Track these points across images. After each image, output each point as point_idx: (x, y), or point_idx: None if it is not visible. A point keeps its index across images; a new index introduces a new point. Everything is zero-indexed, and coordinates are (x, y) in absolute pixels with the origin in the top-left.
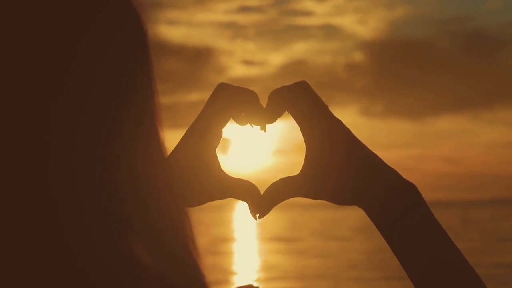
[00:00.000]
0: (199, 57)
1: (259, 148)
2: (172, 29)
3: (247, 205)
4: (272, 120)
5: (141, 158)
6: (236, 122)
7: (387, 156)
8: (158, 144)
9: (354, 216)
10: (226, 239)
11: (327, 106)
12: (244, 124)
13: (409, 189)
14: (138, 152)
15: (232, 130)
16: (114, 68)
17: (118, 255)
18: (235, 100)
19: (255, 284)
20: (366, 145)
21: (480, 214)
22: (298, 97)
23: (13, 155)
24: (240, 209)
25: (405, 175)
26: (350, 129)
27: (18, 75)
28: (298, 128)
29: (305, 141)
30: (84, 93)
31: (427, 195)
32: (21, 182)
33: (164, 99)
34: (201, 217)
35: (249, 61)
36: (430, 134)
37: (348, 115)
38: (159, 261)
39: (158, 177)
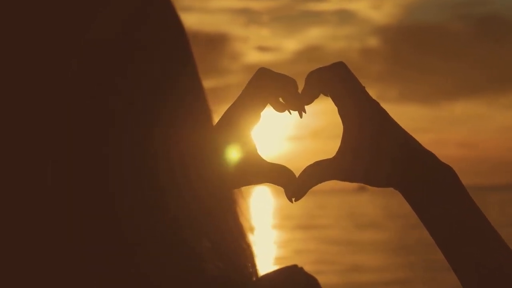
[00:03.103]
0: (213, 44)
1: (274, 135)
2: (185, 16)
3: (283, 189)
4: (309, 101)
5: (191, 143)
6: (273, 108)
7: None
8: (204, 128)
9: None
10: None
11: (364, 87)
12: (281, 111)
13: (447, 171)
14: (188, 137)
15: None
16: (161, 63)
17: (148, 240)
18: (275, 86)
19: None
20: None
21: (496, 199)
22: (336, 78)
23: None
24: (257, 196)
25: None
26: None
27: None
28: (313, 114)
29: (342, 122)
30: (134, 91)
31: None
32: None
33: None
34: None
35: (264, 47)
36: (444, 119)
37: None
38: (203, 241)
39: (207, 160)
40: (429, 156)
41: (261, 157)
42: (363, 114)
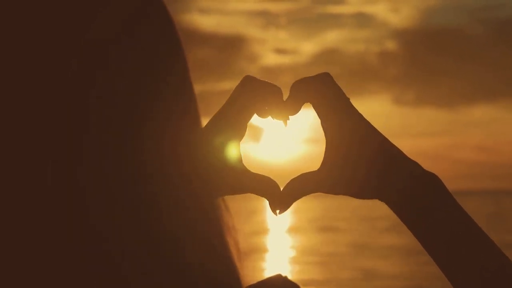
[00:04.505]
0: (231, 45)
1: (291, 137)
2: (204, 18)
3: (267, 201)
4: (294, 111)
5: (176, 146)
6: (258, 115)
7: (419, 144)
8: (194, 131)
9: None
10: (259, 231)
11: (349, 99)
12: (265, 117)
13: (431, 179)
14: (172, 139)
15: (264, 120)
16: (146, 60)
17: (144, 239)
18: (260, 94)
19: (283, 274)
20: (398, 134)
21: None
22: (320, 89)
23: (45, 148)
24: None
25: (437, 164)
26: (382, 117)
27: (54, 70)
28: None
29: (325, 134)
30: (116, 86)
31: (459, 184)
32: (51, 169)
33: (196, 88)
34: (232, 207)
35: (281, 49)
36: (462, 122)
37: (380, 104)
38: (188, 246)
39: (192, 164)
40: (413, 165)
41: (245, 168)
42: (346, 126)
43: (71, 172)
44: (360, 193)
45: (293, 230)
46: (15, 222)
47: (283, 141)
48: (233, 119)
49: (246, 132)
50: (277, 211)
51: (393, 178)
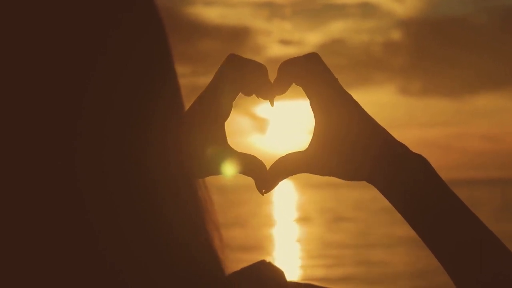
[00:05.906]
0: (235, 37)
1: (297, 128)
2: (208, 9)
3: (253, 180)
4: (280, 91)
5: (171, 146)
6: (243, 94)
7: (425, 134)
8: (187, 130)
9: None
10: (266, 223)
11: (337, 79)
12: (250, 95)
13: (419, 162)
14: (168, 139)
15: (270, 110)
16: (139, 62)
17: (147, 243)
18: (244, 72)
19: (267, 260)
20: (404, 124)
21: None
22: (308, 69)
23: (42, 147)
24: (279, 188)
25: (443, 154)
26: (388, 108)
27: (48, 71)
28: None
29: (314, 115)
30: (111, 88)
31: (466, 173)
32: (51, 173)
33: (201, 79)
34: (238, 197)
35: (286, 40)
36: (468, 112)
37: (386, 94)
38: (185, 240)
39: (186, 163)
40: (400, 147)
41: (230, 147)
42: (334, 106)
43: (69, 169)
44: (347, 175)
45: (300, 221)
46: (15, 222)
47: (288, 132)
48: (218, 98)
49: (252, 124)
50: (263, 191)
51: (380, 160)
